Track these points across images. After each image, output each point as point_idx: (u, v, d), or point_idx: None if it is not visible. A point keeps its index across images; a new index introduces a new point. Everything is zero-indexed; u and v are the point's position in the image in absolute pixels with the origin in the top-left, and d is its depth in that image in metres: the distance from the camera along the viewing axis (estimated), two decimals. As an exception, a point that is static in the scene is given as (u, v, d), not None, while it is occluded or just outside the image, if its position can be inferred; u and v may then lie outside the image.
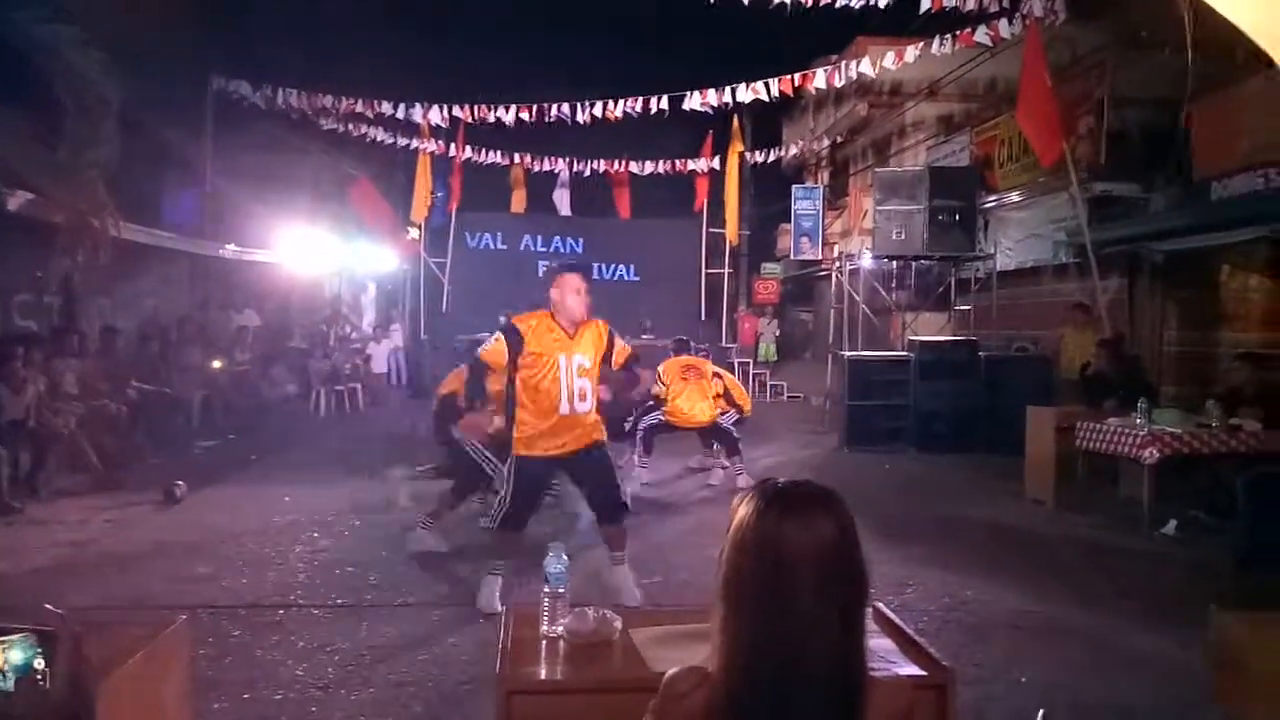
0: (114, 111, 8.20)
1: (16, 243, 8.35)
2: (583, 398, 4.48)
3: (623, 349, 4.69)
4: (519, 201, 18.76)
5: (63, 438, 7.70)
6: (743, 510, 1.37)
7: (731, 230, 17.30)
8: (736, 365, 16.13)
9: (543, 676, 2.11)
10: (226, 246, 12.76)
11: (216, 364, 11.04)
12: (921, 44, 10.81)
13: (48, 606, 1.22)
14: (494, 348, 4.48)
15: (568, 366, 4.43)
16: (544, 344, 4.43)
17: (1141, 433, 6.41)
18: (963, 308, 13.38)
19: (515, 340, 4.42)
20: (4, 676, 1.07)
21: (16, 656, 1.08)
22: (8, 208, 7.60)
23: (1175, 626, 4.41)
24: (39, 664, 1.08)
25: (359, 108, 14.13)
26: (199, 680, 3.75)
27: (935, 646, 2.17)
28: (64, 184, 7.80)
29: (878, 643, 2.13)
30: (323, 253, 15.53)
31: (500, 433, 5.02)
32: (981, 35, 10.16)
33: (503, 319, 4.56)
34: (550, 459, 4.57)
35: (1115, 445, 6.69)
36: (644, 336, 15.77)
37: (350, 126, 14.92)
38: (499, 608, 4.43)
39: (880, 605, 2.43)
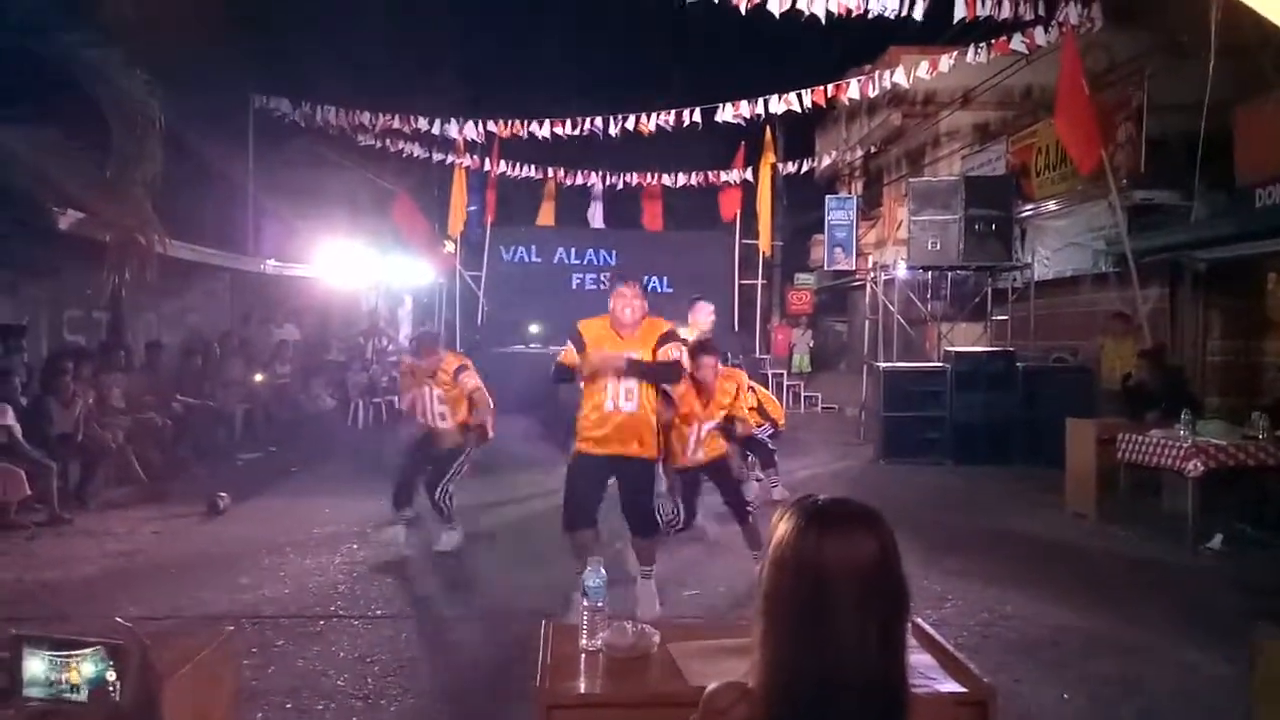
0: (159, 131, 8.39)
1: (67, 260, 8.57)
2: (629, 397, 4.67)
3: (665, 352, 4.73)
4: (548, 214, 18.90)
5: (110, 450, 7.89)
6: (783, 527, 1.38)
7: (765, 241, 17.29)
8: (770, 376, 16.08)
9: (582, 690, 2.13)
10: (267, 262, 13.00)
11: (258, 377, 11.23)
12: (956, 53, 10.76)
13: (118, 619, 1.26)
14: (566, 349, 4.82)
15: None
16: (597, 345, 4.70)
17: (1185, 444, 6.30)
18: (1000, 318, 13.24)
19: (577, 340, 4.75)
20: (77, 689, 1.12)
21: (89, 669, 1.13)
22: (59, 226, 7.81)
23: (1220, 643, 4.33)
24: (110, 676, 1.12)
25: (395, 124, 14.34)
26: (244, 690, 3.82)
27: (975, 662, 2.16)
28: (112, 202, 7.99)
29: (917, 658, 2.13)
30: (360, 267, 15.75)
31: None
32: (1017, 43, 10.09)
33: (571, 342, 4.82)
34: (599, 458, 4.73)
35: (1158, 457, 6.58)
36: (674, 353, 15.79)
37: (387, 142, 15.15)
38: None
39: (920, 620, 2.42)
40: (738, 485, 5.87)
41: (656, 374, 4.74)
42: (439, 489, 6.17)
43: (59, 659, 1.13)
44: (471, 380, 6.24)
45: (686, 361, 4.90)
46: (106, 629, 1.35)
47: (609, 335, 4.72)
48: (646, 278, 17.82)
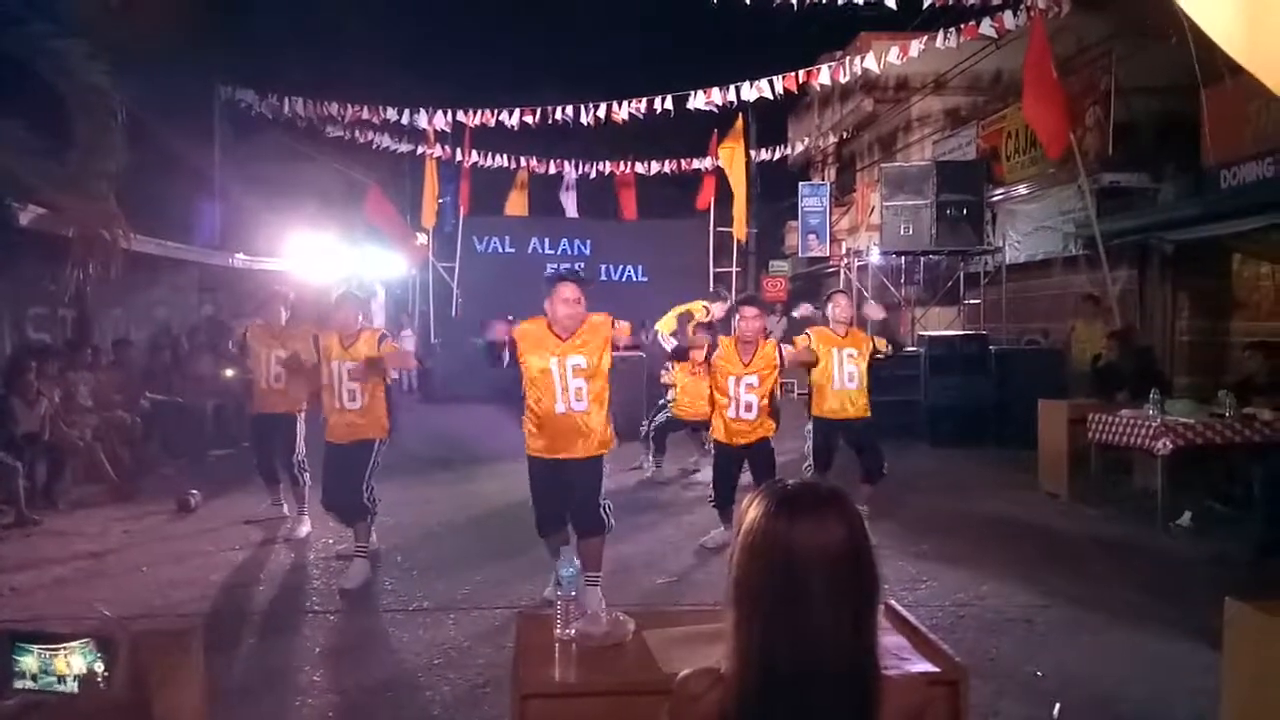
0: (122, 123, 8.24)
1: (29, 256, 8.41)
2: (579, 397, 4.54)
3: (620, 331, 4.73)
4: (518, 204, 18.80)
5: (78, 449, 7.76)
6: (753, 512, 1.37)
7: (740, 228, 17.29)
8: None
9: (557, 679, 2.12)
10: (236, 255, 12.83)
11: (228, 373, 11.09)
12: (926, 38, 10.80)
13: (105, 613, 1.24)
14: (497, 329, 4.60)
15: (560, 369, 4.52)
16: (536, 349, 4.53)
17: (1154, 424, 6.39)
18: (972, 302, 13.36)
19: (512, 346, 4.56)
20: (67, 680, 1.13)
21: (79, 661, 1.15)
22: (20, 222, 7.66)
23: (1191, 618, 4.39)
24: (99, 666, 1.14)
25: (365, 115, 14.19)
26: (216, 687, 3.78)
27: (949, 642, 2.17)
28: (74, 197, 7.85)
29: (890, 640, 2.14)
30: (332, 259, 15.59)
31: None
32: (986, 28, 10.14)
33: (505, 322, 4.59)
34: (549, 460, 4.60)
35: (1128, 437, 6.66)
36: (644, 337, 15.79)
37: (357, 134, 14.99)
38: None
39: (893, 602, 2.44)
40: (773, 472, 5.78)
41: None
42: (363, 489, 5.45)
43: (49, 652, 1.14)
44: (390, 343, 5.72)
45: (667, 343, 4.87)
46: (93, 621, 1.35)
47: (548, 338, 4.53)
48: (621, 266, 17.86)
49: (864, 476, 6.39)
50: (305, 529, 6.38)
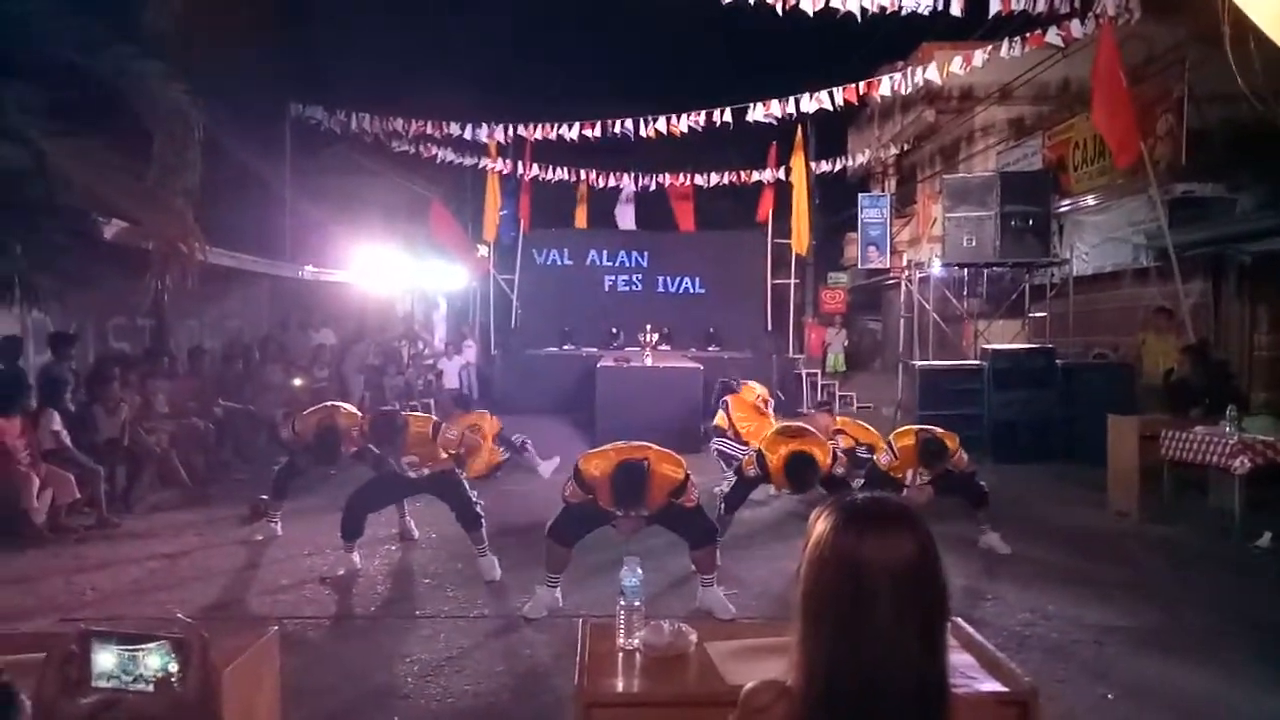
0: (198, 140, 8.56)
1: (111, 269, 8.76)
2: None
3: (689, 498, 4.82)
4: (581, 217, 18.97)
5: (155, 455, 8.04)
6: (821, 526, 1.38)
7: (800, 241, 17.18)
8: (804, 376, 16.01)
9: (620, 689, 2.14)
10: (305, 268, 13.19)
11: (297, 382, 11.39)
12: (990, 47, 10.61)
13: (179, 615, 1.31)
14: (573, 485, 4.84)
15: None
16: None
17: (1231, 441, 6.19)
18: (1038, 314, 13.06)
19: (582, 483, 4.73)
20: (144, 680, 1.20)
21: (154, 661, 1.22)
22: (103, 236, 7.99)
23: (1270, 642, 4.24)
24: (173, 667, 1.21)
25: (428, 129, 14.48)
26: (286, 688, 3.89)
27: (1017, 662, 2.14)
28: (154, 212, 8.17)
29: (957, 658, 2.11)
30: (396, 271, 15.92)
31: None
32: (1053, 36, 9.93)
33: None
34: (608, 512, 4.71)
35: (1203, 455, 6.46)
36: (711, 349, 15.78)
37: (421, 148, 15.30)
38: (543, 615, 4.80)
39: (959, 620, 2.41)
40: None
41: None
42: (471, 512, 5.70)
43: (127, 652, 1.21)
44: (454, 433, 5.99)
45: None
46: (169, 624, 1.42)
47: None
48: (678, 278, 17.89)
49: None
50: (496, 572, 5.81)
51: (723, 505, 6.11)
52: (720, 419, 8.10)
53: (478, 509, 5.71)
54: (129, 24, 8.24)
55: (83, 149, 7.28)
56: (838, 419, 7.97)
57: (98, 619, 4.82)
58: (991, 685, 2.01)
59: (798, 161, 16.53)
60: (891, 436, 6.51)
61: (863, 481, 6.43)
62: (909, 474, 6.25)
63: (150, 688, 1.17)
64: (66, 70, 7.35)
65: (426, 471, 5.75)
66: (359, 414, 6.72)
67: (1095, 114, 10.06)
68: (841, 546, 1.32)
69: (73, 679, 1.18)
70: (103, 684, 1.17)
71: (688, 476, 4.74)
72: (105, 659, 1.18)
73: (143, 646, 1.18)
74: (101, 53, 7.56)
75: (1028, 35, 10.21)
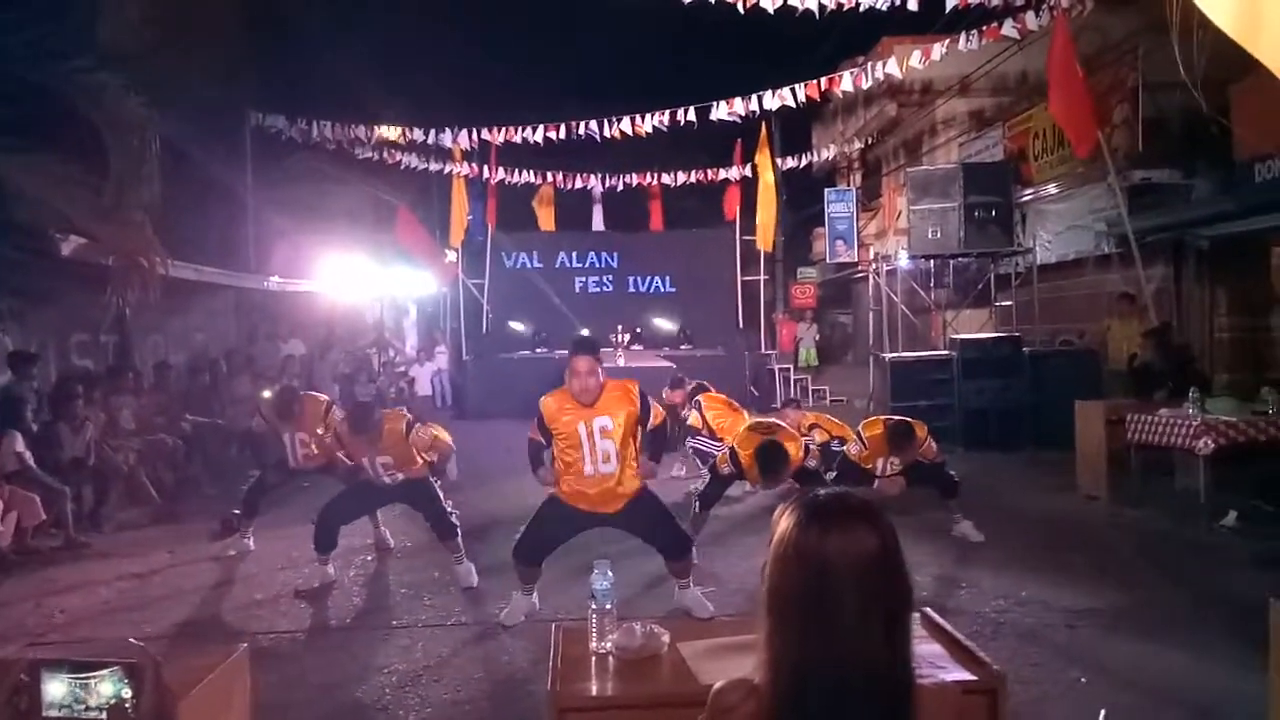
0: (156, 153, 8.45)
1: (71, 285, 8.62)
2: (606, 459, 4.58)
3: (657, 413, 4.80)
4: (547, 219, 18.94)
5: (122, 473, 7.93)
6: (784, 523, 1.39)
7: (765, 238, 17.27)
8: (777, 371, 16.09)
9: (594, 693, 2.14)
10: (270, 278, 13.06)
11: (266, 394, 11.26)
12: (948, 41, 10.73)
13: (131, 640, 1.29)
14: (533, 427, 4.73)
15: (589, 432, 4.55)
16: (561, 418, 4.59)
17: (1195, 422, 6.29)
18: (1004, 303, 13.22)
19: (541, 425, 4.66)
20: (99, 709, 1.18)
21: (107, 688, 1.20)
22: (61, 252, 7.86)
23: (1237, 620, 4.31)
24: (126, 694, 1.19)
25: (391, 135, 14.39)
26: (264, 704, 3.84)
27: (990, 648, 2.17)
28: (112, 226, 8.05)
29: (926, 648, 2.13)
30: (364, 279, 15.81)
31: None
32: (1009, 29, 10.05)
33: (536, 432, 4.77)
34: (581, 513, 4.70)
35: (1168, 437, 6.56)
36: (683, 348, 15.82)
37: (385, 154, 15.20)
38: (520, 620, 4.79)
39: (929, 610, 2.43)
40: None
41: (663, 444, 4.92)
42: (446, 522, 5.65)
43: (78, 681, 1.19)
44: (426, 434, 5.76)
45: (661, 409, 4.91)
46: (121, 649, 1.40)
47: (571, 405, 4.56)
48: (649, 278, 17.91)
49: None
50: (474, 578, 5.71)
51: (698, 504, 6.14)
52: (694, 418, 8.12)
53: (453, 519, 5.68)
54: (83, 36, 8.12)
55: (37, 164, 7.16)
56: (809, 414, 8.03)
57: (68, 642, 4.75)
58: (959, 674, 2.03)
59: (762, 158, 16.61)
60: (860, 426, 6.59)
61: (835, 475, 6.48)
62: (879, 463, 6.31)
63: (104, 716, 1.15)
64: (18, 84, 7.22)
65: (400, 476, 5.68)
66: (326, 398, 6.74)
67: (1052, 104, 10.20)
68: (804, 543, 1.34)
69: (22, 709, 1.16)
70: (54, 714, 1.15)
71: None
72: (56, 688, 1.16)
73: (94, 674, 1.16)
74: (55, 66, 7.44)
75: (984, 28, 10.33)
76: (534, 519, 4.80)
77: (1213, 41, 8.06)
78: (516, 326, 16.54)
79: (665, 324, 17.19)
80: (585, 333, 8.77)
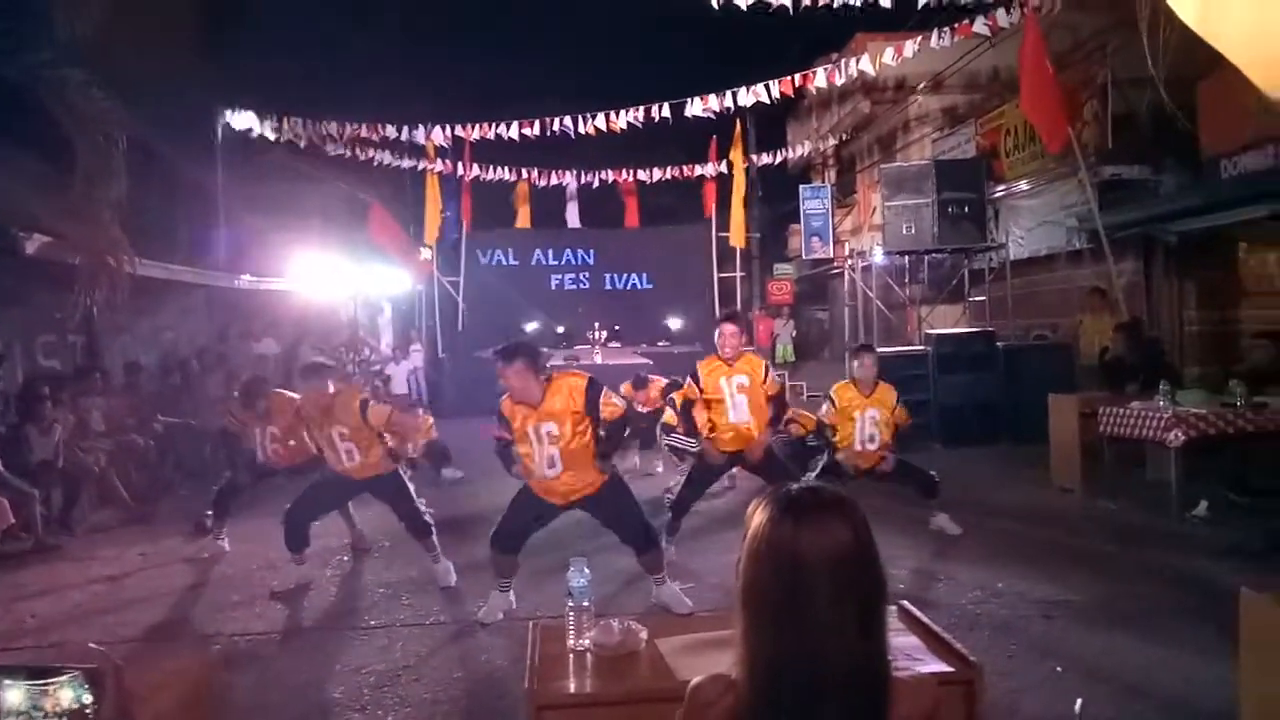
0: (123, 149, 8.32)
1: (36, 285, 8.48)
2: (551, 464, 4.62)
3: (610, 408, 4.67)
4: (524, 217, 18.87)
5: (93, 474, 7.81)
6: (758, 518, 1.39)
7: (737, 235, 17.29)
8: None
9: (572, 690, 2.13)
10: (242, 277, 12.90)
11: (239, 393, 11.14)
12: (920, 38, 10.79)
13: (91, 645, 1.26)
14: (499, 428, 4.78)
15: (537, 437, 4.61)
16: (515, 419, 4.66)
17: (1165, 415, 6.36)
18: (978, 299, 13.33)
19: (504, 424, 4.72)
20: (58, 715, 1.16)
21: (66, 695, 1.17)
22: (26, 251, 7.72)
23: (1208, 608, 4.38)
24: (86, 699, 1.16)
25: (364, 132, 14.25)
26: (240, 706, 3.80)
27: (967, 640, 2.17)
28: (78, 224, 7.92)
29: (903, 640, 2.14)
30: (337, 277, 15.66)
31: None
32: (980, 26, 10.13)
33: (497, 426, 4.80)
34: (548, 503, 4.77)
35: (1140, 429, 6.64)
36: (660, 344, 15.81)
37: (357, 151, 15.05)
38: (498, 618, 4.78)
39: (905, 603, 2.44)
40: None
41: (618, 440, 4.84)
42: (419, 521, 5.58)
43: (36, 687, 1.16)
44: (383, 411, 5.58)
45: (620, 402, 4.84)
46: (81, 654, 1.37)
47: (524, 409, 4.60)
48: (625, 275, 17.90)
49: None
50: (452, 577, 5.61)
51: (670, 512, 6.01)
52: (669, 416, 8.11)
53: (426, 517, 5.63)
54: (43, 29, 7.96)
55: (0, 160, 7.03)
56: (788, 409, 8.03)
57: (39, 647, 4.67)
58: (936, 665, 2.03)
59: (736, 155, 16.63)
60: (832, 390, 6.69)
61: (824, 460, 6.53)
62: (856, 434, 6.40)
63: None
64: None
65: (359, 459, 5.51)
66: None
67: (1024, 101, 10.28)
68: (778, 538, 1.33)
69: None
70: None
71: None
72: (13, 695, 1.14)
73: (53, 680, 1.14)
74: (15, 60, 7.30)
75: (956, 25, 10.40)
76: (510, 506, 4.87)
77: (1180, 38, 8.18)
78: (530, 327, 16.36)
79: (643, 321, 17.15)
80: (542, 329, 8.71)
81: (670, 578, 4.99)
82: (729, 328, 5.65)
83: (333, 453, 5.57)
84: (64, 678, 1.17)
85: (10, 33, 7.42)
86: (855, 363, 6.70)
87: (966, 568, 5.53)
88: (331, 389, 5.56)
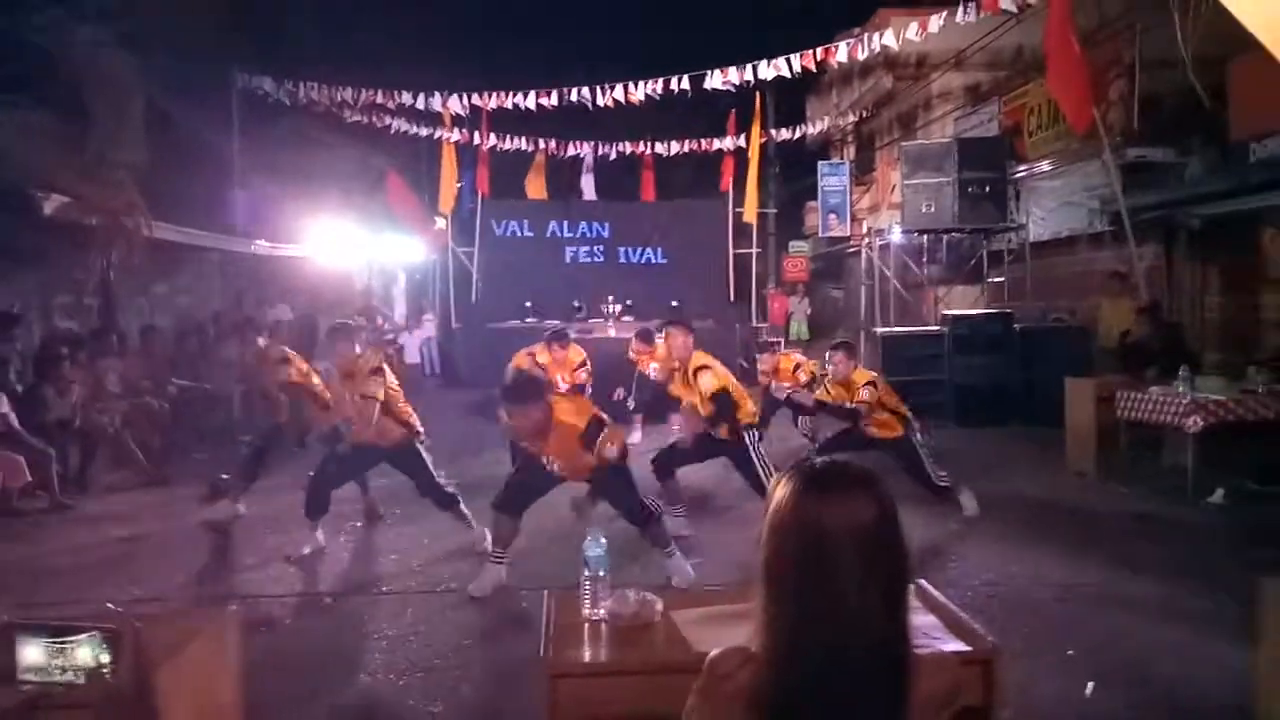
0: (140, 112, 8.31)
1: (54, 245, 8.50)
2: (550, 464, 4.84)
3: (610, 439, 4.65)
4: (537, 188, 18.74)
5: (108, 436, 7.86)
6: (781, 491, 1.36)
7: (750, 210, 17.13)
8: (768, 345, 16.05)
9: (586, 659, 2.12)
10: (257, 242, 12.90)
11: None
12: (945, 13, 10.61)
13: (109, 605, 1.27)
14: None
15: (546, 460, 4.79)
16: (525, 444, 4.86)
17: (1184, 401, 6.31)
18: (996, 280, 13.22)
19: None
20: (76, 672, 1.16)
21: (84, 653, 1.17)
22: (44, 211, 7.73)
23: (1224, 596, 4.35)
24: (105, 658, 1.16)
25: (380, 99, 14.17)
26: (251, 666, 3.82)
27: (981, 621, 2.16)
28: (95, 186, 7.92)
29: (921, 619, 2.13)
30: (352, 245, 15.66)
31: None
32: (1007, 2, 9.95)
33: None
34: (554, 474, 4.85)
35: (1158, 414, 6.59)
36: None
37: (374, 118, 14.98)
38: (487, 592, 4.75)
39: (923, 582, 2.42)
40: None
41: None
42: (441, 493, 5.59)
43: (55, 645, 1.16)
44: (377, 383, 5.46)
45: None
46: (100, 614, 1.38)
47: (529, 443, 4.74)
48: (640, 249, 17.78)
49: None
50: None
51: (654, 473, 5.99)
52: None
53: (449, 489, 5.61)
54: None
55: (16, 120, 7.02)
56: (793, 355, 8.12)
57: (54, 604, 4.72)
58: (955, 645, 2.02)
59: (754, 129, 16.47)
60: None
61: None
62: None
63: (81, 680, 1.13)
64: (-1, 37, 7.08)
65: (375, 417, 5.42)
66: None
67: (1049, 80, 10.13)
68: (802, 511, 1.31)
69: None
70: (30, 678, 1.13)
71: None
72: (32, 652, 1.14)
73: (72, 639, 1.13)
74: (33, 18, 7.28)
75: (982, 1, 10.22)
76: (515, 471, 4.97)
77: (1209, 19, 8.02)
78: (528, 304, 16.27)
79: (657, 295, 17.08)
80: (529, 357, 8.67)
81: (690, 555, 5.03)
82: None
83: (358, 416, 5.53)
84: (82, 636, 1.17)
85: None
86: (827, 356, 6.58)
87: (979, 549, 5.51)
88: (358, 350, 5.53)
